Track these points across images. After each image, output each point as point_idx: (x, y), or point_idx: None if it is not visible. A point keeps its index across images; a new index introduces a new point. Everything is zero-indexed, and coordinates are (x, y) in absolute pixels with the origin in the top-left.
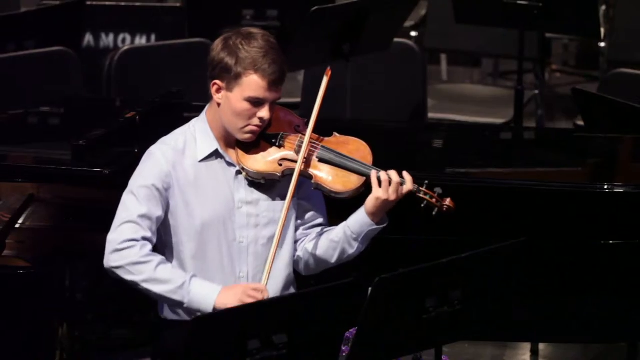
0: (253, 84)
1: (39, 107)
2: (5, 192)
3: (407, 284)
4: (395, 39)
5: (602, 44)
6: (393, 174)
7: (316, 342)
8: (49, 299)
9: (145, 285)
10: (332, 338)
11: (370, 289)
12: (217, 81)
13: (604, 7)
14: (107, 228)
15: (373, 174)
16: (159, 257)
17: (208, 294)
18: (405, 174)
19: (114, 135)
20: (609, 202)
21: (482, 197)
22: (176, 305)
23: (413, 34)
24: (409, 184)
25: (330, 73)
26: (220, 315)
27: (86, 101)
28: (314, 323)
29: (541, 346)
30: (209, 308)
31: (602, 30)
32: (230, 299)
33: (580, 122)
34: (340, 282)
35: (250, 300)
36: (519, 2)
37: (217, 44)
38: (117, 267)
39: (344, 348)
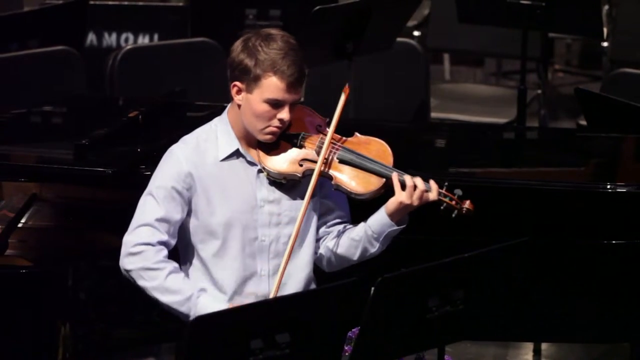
0: (272, 85)
1: (42, 107)
2: (7, 191)
3: (409, 283)
4: (398, 39)
5: (605, 44)
6: (419, 181)
7: (319, 341)
8: (51, 298)
9: (154, 293)
10: (335, 338)
11: (372, 288)
12: (236, 83)
13: (606, 7)
14: (109, 227)
15: (395, 176)
16: (171, 265)
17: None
18: (431, 182)
19: (116, 134)
20: (612, 202)
21: (485, 197)
22: (183, 316)
23: (416, 33)
24: (434, 193)
25: (348, 91)
26: (223, 315)
27: (89, 100)
28: (316, 323)
29: (544, 346)
30: None
31: (605, 29)
32: None
33: (583, 122)
34: (343, 282)
35: None
36: (522, 1)
37: (237, 45)
38: (130, 270)
39: (346, 348)
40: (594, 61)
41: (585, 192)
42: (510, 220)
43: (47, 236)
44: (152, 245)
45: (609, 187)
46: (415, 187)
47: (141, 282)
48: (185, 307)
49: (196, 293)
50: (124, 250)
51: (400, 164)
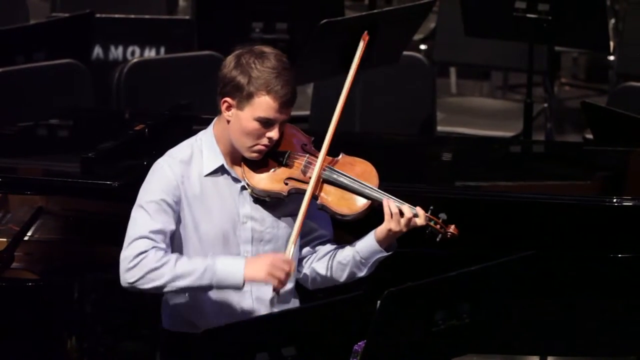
0: (264, 104)
1: (48, 119)
2: (14, 204)
3: (415, 297)
4: (405, 52)
5: (612, 57)
6: (406, 208)
7: (325, 355)
8: (57, 311)
9: (170, 285)
10: (341, 351)
11: (378, 302)
12: (227, 99)
13: (613, 21)
14: (115, 240)
15: (385, 203)
16: (173, 255)
17: (234, 269)
18: (418, 208)
19: (123, 147)
20: (618, 215)
21: (491, 210)
22: (206, 289)
23: (422, 47)
24: (421, 218)
25: (367, 38)
26: (229, 329)
27: (95, 113)
28: (322, 336)
29: (550, 359)
30: (239, 283)
31: (612, 43)
32: (258, 272)
33: (589, 136)
34: (349, 295)
35: (279, 274)
36: (528, 15)
37: (229, 61)
38: (137, 280)
39: None
40: (600, 75)
41: (592, 206)
42: (516, 233)
43: (53, 249)
44: (148, 251)
45: (615, 201)
46: (402, 214)
47: (153, 284)
48: (205, 280)
49: (210, 262)
50: (123, 266)
51: (407, 178)
